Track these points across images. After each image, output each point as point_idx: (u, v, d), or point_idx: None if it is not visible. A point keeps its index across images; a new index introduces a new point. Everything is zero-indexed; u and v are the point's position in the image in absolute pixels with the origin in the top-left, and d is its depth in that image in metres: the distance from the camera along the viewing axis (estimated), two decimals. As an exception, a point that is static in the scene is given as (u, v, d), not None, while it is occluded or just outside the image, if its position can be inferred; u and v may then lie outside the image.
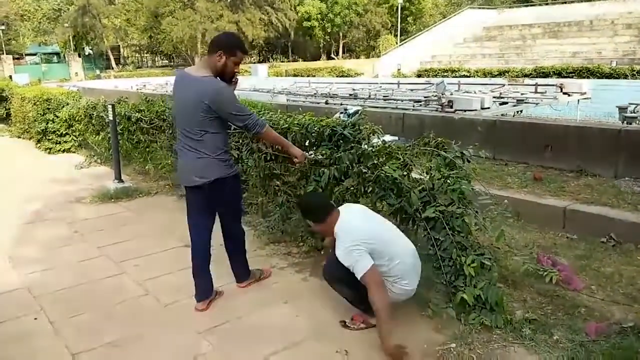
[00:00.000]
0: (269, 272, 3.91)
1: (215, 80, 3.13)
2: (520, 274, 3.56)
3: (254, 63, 51.26)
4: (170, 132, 6.05)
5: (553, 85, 14.91)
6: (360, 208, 3.27)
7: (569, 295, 3.39)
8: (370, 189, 3.66)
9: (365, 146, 3.71)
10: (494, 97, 11.77)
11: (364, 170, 3.63)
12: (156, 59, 66.22)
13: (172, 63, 62.35)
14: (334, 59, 54.58)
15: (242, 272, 3.71)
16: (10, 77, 31.14)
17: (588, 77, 24.08)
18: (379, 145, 3.69)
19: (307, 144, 4.14)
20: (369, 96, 14.07)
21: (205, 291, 3.44)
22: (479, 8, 39.19)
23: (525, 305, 3.27)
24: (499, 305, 3.01)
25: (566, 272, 3.55)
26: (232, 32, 3.52)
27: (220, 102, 3.07)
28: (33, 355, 2.93)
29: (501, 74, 26.62)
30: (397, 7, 49.40)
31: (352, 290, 3.02)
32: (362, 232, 2.93)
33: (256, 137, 3.57)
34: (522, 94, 13.30)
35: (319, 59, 55.88)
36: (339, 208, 3.16)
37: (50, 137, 9.36)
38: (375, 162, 3.56)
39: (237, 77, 3.36)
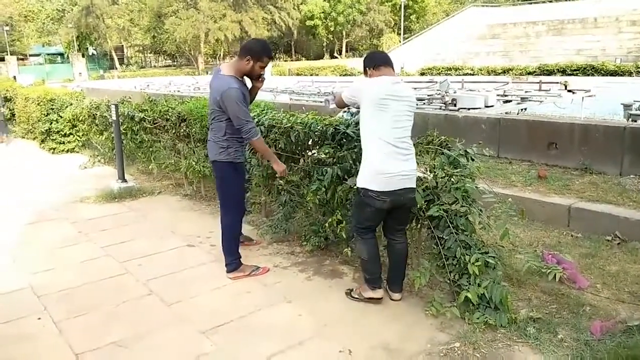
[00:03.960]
0: (265, 270, 3.96)
1: (231, 80, 3.58)
2: (525, 272, 3.54)
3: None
4: (174, 132, 6.05)
5: (557, 82, 14.85)
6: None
7: (574, 294, 3.37)
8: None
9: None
10: (498, 95, 11.72)
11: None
12: (159, 58, 66.41)
13: (175, 63, 62.53)
14: (337, 58, 54.56)
15: (227, 262, 3.91)
16: (15, 77, 31.25)
17: (592, 75, 23.99)
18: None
19: (310, 142, 4.14)
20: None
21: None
22: (483, 6, 39.06)
23: (530, 304, 3.26)
24: (503, 304, 3.00)
25: (571, 270, 3.53)
26: (261, 39, 4.01)
27: (225, 100, 3.53)
28: (37, 355, 2.94)
29: (505, 71, 26.58)
30: (400, 6, 49.32)
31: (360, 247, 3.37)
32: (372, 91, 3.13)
33: (247, 143, 3.87)
34: (526, 91, 13.23)
35: (322, 58, 55.91)
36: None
37: (54, 137, 9.39)
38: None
39: (264, 76, 3.89)
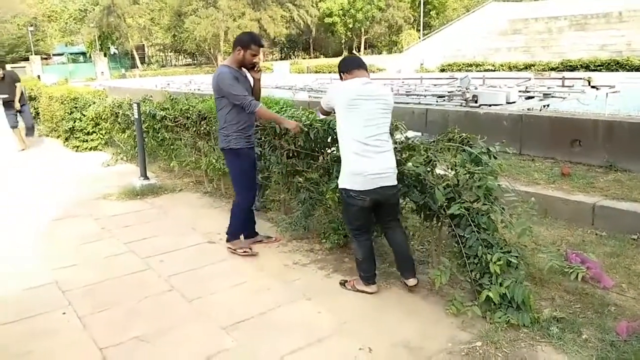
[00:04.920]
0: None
1: (222, 67, 4.02)
2: (548, 271, 3.48)
3: (276, 60, 51.41)
4: (194, 130, 6.10)
5: (580, 78, 14.57)
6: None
7: (599, 294, 3.31)
8: (394, 185, 3.62)
9: (389, 142, 3.68)
10: (520, 92, 11.54)
11: (387, 167, 3.60)
12: (180, 57, 66.99)
13: (195, 61, 63.02)
14: (355, 55, 54.39)
15: (227, 231, 4.37)
16: (39, 76, 31.85)
17: (617, 70, 23.48)
18: (402, 142, 3.66)
19: (329, 140, 4.13)
20: (392, 92, 13.96)
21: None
22: (504, 1, 38.53)
23: (553, 304, 3.21)
24: (525, 303, 2.96)
25: (595, 269, 3.47)
26: (249, 31, 4.41)
27: (220, 83, 3.94)
28: (62, 349, 3.00)
29: (527, 67, 26.17)
30: (420, 2, 48.92)
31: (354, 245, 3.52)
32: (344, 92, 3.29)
33: (256, 116, 4.20)
34: (548, 87, 13.02)
35: (340, 55, 55.66)
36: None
37: (77, 136, 9.55)
38: (399, 158, 3.53)
39: (260, 67, 4.18)
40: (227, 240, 4.36)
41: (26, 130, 10.50)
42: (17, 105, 9.88)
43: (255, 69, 4.12)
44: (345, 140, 3.28)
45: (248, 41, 3.97)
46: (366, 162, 3.19)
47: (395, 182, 3.31)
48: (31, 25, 50.15)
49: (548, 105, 10.63)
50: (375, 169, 3.18)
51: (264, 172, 5.08)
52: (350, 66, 3.44)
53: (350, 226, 3.52)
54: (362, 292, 3.50)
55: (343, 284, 3.63)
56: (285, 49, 63.20)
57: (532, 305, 3.01)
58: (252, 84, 4.20)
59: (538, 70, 24.31)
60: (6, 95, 9.70)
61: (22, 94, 10.06)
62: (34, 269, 4.16)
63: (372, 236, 3.60)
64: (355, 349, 2.86)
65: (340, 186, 3.36)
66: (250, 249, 4.32)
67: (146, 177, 6.65)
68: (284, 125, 4.16)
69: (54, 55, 55.58)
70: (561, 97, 11.51)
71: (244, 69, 4.12)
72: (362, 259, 3.48)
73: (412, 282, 3.44)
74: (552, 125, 6.62)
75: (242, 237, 4.38)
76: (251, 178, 4.28)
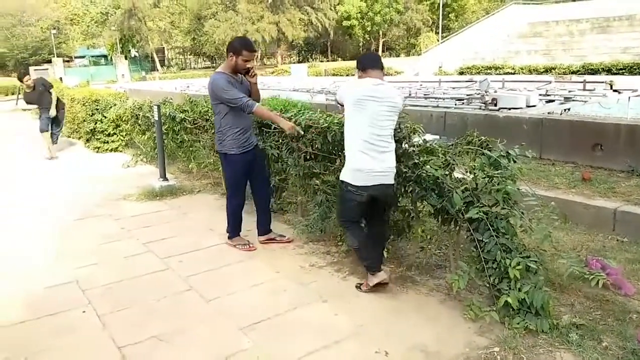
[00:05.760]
0: (251, 248, 4.46)
1: (216, 73, 4.10)
2: (568, 277, 3.43)
3: (294, 63, 51.56)
4: (213, 132, 6.15)
5: (602, 82, 14.34)
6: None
7: (619, 301, 3.25)
8: (411, 188, 3.62)
9: (406, 145, 3.67)
10: (540, 95, 11.42)
11: (404, 170, 3.60)
12: (199, 60, 67.59)
13: (214, 64, 63.47)
14: (374, 53, 54.25)
15: (227, 230, 4.55)
16: (61, 79, 32.40)
17: (640, 74, 23.04)
18: (419, 145, 3.65)
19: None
20: (409, 94, 13.87)
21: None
22: (524, 4, 38.08)
23: (573, 310, 3.16)
24: (544, 309, 2.92)
25: (616, 276, 3.41)
26: (242, 36, 4.43)
27: (214, 88, 4.03)
28: (82, 347, 3.04)
29: (547, 71, 25.82)
30: (439, 4, 48.65)
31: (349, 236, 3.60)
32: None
33: (252, 116, 4.29)
34: (569, 91, 12.85)
35: (358, 58, 55.53)
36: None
37: (98, 137, 9.69)
38: (416, 161, 3.52)
39: (255, 72, 4.24)
40: (228, 238, 4.57)
41: (51, 135, 9.56)
42: (53, 112, 9.30)
43: (250, 73, 4.18)
44: (351, 137, 3.38)
45: (239, 47, 4.02)
46: (369, 160, 3.29)
47: (393, 181, 3.42)
48: (54, 29, 51.08)
49: (569, 109, 10.48)
50: (377, 167, 3.29)
51: (281, 174, 5.11)
52: (366, 65, 3.48)
53: (342, 218, 3.64)
54: (377, 285, 3.50)
55: (359, 286, 3.63)
56: (303, 52, 63.36)
57: (551, 311, 2.97)
58: (249, 87, 4.27)
59: (559, 74, 23.96)
60: (35, 106, 9.29)
61: (58, 100, 9.52)
62: (55, 268, 4.24)
63: (362, 224, 3.67)
64: (371, 352, 2.85)
65: (341, 178, 3.46)
66: (249, 242, 4.51)
67: (165, 179, 6.73)
68: (280, 125, 4.20)
69: (76, 57, 56.50)
70: (582, 101, 11.35)
71: (239, 74, 4.19)
72: (358, 246, 3.54)
73: (382, 275, 3.49)
74: (572, 129, 6.53)
75: (241, 234, 4.59)
76: (241, 183, 4.41)
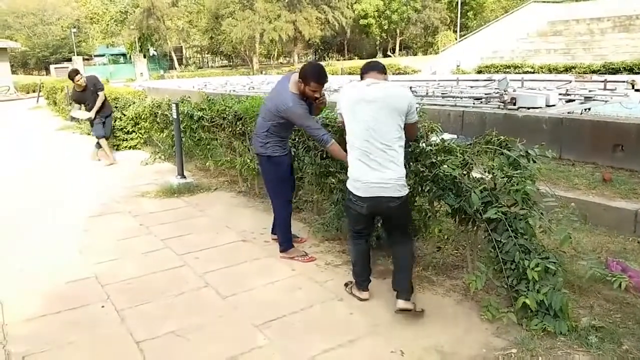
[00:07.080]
0: (311, 259, 4.20)
1: (289, 98, 3.81)
2: (587, 279, 3.39)
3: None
4: (230, 130, 6.19)
5: (623, 81, 14.10)
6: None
7: (641, 304, 3.20)
8: (428, 188, 3.60)
9: (423, 144, 3.65)
10: (560, 94, 11.27)
11: (421, 169, 3.58)
12: (216, 59, 68.00)
13: (231, 63, 63.88)
14: (390, 56, 53.95)
15: (279, 242, 4.33)
16: (81, 77, 32.75)
17: (663, 73, 22.56)
18: (437, 144, 3.62)
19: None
20: (427, 93, 13.81)
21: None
22: (544, 2, 37.53)
23: (592, 312, 3.12)
24: (563, 311, 2.89)
25: (637, 278, 3.36)
26: (316, 64, 4.00)
27: (291, 116, 3.81)
28: (100, 342, 3.09)
29: (567, 70, 25.42)
30: (457, 2, 48.20)
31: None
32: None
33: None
34: (590, 90, 12.66)
35: (375, 57, 55.40)
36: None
37: (117, 135, 9.81)
38: (434, 160, 3.49)
39: (325, 99, 4.03)
40: (281, 251, 4.28)
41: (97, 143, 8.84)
42: (91, 115, 8.44)
43: (318, 101, 3.95)
44: (349, 145, 3.21)
45: (307, 77, 3.75)
46: (367, 170, 3.07)
47: (400, 194, 3.07)
48: (74, 27, 51.87)
49: (589, 109, 10.33)
50: (373, 177, 3.04)
51: (297, 172, 5.11)
52: (364, 70, 3.39)
53: (350, 227, 3.47)
54: (356, 297, 3.47)
55: (347, 285, 3.63)
56: (319, 50, 63.31)
57: (570, 313, 2.93)
58: (311, 106, 4.02)
59: (579, 73, 23.59)
60: (90, 116, 8.48)
61: (104, 103, 8.56)
62: (75, 263, 4.31)
63: (369, 242, 3.52)
64: (387, 351, 2.85)
65: (347, 185, 3.27)
66: (306, 253, 4.25)
67: (183, 176, 6.79)
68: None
69: (95, 56, 57.27)
70: (603, 101, 11.17)
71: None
72: (354, 262, 3.49)
73: (400, 304, 3.15)
74: (593, 129, 6.43)
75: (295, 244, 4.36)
76: (287, 185, 4.28)
